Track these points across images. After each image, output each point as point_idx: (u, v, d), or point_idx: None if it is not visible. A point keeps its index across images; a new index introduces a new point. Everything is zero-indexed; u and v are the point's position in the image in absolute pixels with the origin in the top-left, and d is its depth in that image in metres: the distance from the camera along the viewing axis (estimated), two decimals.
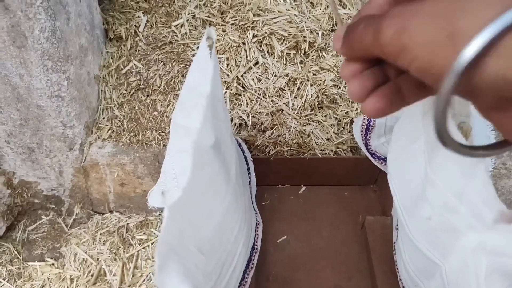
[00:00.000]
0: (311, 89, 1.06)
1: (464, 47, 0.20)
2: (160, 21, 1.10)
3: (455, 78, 0.20)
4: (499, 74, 0.20)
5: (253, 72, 1.06)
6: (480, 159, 0.56)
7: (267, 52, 1.07)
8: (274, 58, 1.08)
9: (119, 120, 1.05)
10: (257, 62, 1.07)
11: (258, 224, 0.86)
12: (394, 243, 0.86)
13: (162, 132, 1.03)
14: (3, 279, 1.03)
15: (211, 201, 0.61)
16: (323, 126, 1.06)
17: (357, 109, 1.07)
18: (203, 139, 0.57)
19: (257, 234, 0.84)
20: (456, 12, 0.20)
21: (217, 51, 1.03)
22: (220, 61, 1.05)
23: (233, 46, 1.06)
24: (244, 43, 1.06)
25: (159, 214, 1.12)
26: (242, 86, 1.05)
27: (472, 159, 0.59)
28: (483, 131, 0.66)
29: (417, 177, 0.66)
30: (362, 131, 0.95)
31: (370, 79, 0.29)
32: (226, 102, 1.03)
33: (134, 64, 1.08)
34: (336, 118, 1.07)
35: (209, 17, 1.07)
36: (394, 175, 0.77)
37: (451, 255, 0.63)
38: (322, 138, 1.06)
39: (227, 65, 1.05)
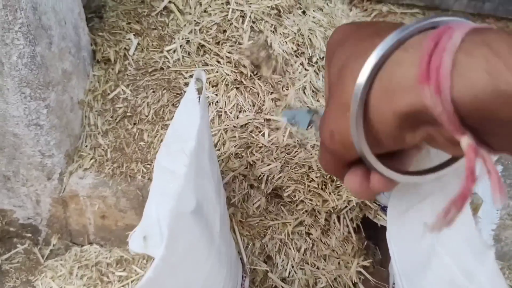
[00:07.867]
0: None
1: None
2: (152, 45, 1.04)
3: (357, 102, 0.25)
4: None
5: None
6: (491, 246, 0.51)
7: None
8: None
9: (102, 149, 0.98)
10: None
11: (245, 277, 0.80)
12: None
13: (148, 164, 0.97)
14: None
15: (190, 271, 0.55)
16: None
17: None
18: (182, 205, 0.51)
19: None
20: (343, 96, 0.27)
21: (209, 82, 0.96)
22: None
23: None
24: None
25: None
26: None
27: (483, 242, 0.55)
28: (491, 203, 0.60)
29: (421, 246, 0.60)
30: None
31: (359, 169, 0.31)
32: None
33: (122, 89, 1.01)
34: None
35: (204, 45, 1.01)
36: (394, 234, 0.70)
37: None
38: None
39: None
